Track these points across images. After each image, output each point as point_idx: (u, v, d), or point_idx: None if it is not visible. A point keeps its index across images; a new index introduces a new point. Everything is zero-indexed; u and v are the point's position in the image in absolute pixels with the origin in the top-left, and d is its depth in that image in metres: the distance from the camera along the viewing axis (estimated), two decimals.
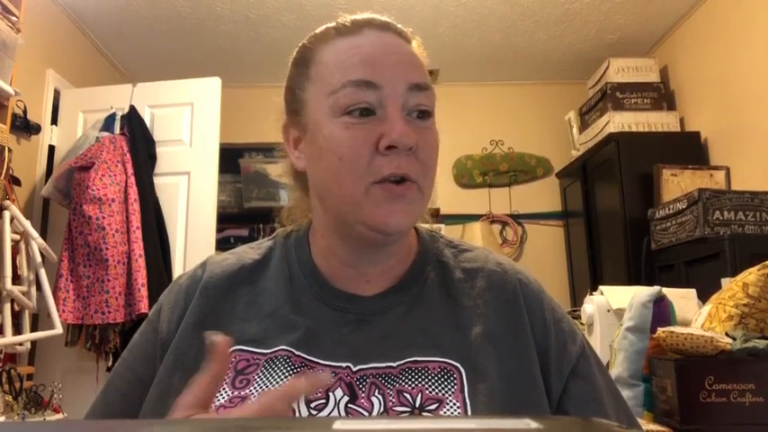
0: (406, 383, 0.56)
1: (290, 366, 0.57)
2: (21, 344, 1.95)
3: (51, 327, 2.00)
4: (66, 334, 2.22)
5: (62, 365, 2.42)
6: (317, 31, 0.64)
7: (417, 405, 0.54)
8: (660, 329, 1.03)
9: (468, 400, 0.54)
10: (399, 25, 0.64)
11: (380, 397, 0.55)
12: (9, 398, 1.82)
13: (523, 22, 3.05)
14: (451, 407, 0.54)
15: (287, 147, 0.67)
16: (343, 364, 0.57)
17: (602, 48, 3.30)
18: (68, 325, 2.22)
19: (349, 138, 0.57)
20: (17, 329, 1.96)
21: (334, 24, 0.63)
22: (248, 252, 0.69)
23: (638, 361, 1.14)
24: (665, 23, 3.08)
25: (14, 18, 2.02)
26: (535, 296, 0.65)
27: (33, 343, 2.25)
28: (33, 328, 2.18)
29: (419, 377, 0.56)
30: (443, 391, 0.55)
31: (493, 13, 2.97)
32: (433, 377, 0.56)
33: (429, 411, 0.54)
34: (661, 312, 1.18)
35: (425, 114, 0.60)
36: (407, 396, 0.55)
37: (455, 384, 0.55)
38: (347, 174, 0.57)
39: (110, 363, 2.30)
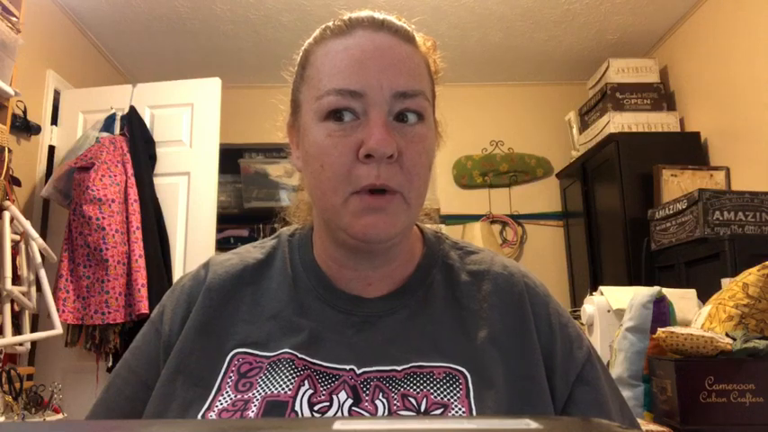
0: (411, 388, 0.55)
1: (293, 369, 0.56)
2: (21, 344, 1.95)
3: (51, 327, 2.00)
4: (67, 334, 2.22)
5: (62, 366, 2.42)
6: (317, 30, 0.63)
7: (422, 410, 0.53)
8: (660, 330, 1.03)
9: (473, 405, 0.54)
10: (399, 22, 0.61)
11: (385, 401, 0.54)
12: (9, 398, 1.82)
13: (523, 22, 3.05)
14: (457, 412, 0.53)
15: (291, 146, 0.67)
16: (347, 367, 0.57)
17: (601, 48, 3.30)
18: (68, 325, 2.22)
19: (330, 145, 0.56)
20: (17, 330, 1.96)
21: (330, 23, 0.62)
22: (251, 251, 0.68)
23: (638, 361, 1.14)
24: (665, 24, 3.08)
25: (14, 18, 2.02)
26: (541, 300, 0.64)
27: (33, 343, 2.25)
28: (33, 329, 2.18)
29: (424, 382, 0.55)
30: (449, 396, 0.54)
31: (493, 14, 2.97)
32: (438, 382, 0.55)
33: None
34: (661, 313, 1.18)
35: (412, 120, 0.58)
36: (412, 400, 0.54)
37: (460, 389, 0.55)
38: (327, 181, 0.57)
39: (110, 363, 2.30)
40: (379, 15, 0.60)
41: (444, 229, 3.18)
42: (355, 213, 0.56)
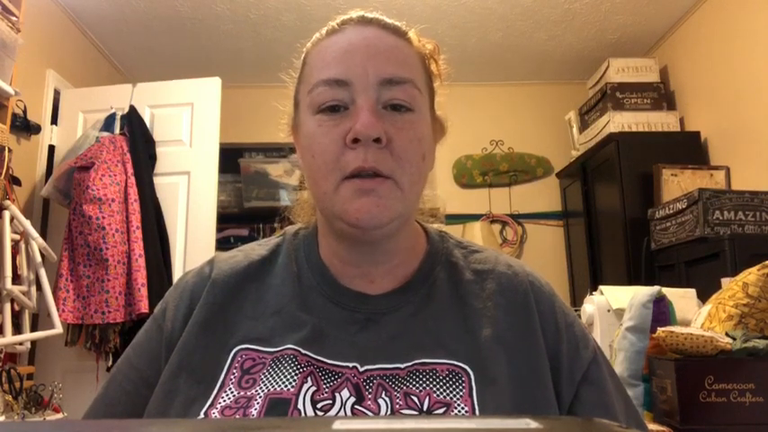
0: (414, 386, 0.55)
1: (296, 366, 0.56)
2: (21, 344, 1.95)
3: (51, 327, 2.00)
4: (67, 334, 2.22)
5: (62, 365, 2.42)
6: (315, 35, 0.65)
7: (425, 408, 0.53)
8: (660, 329, 1.03)
9: (476, 404, 0.53)
10: (389, 20, 0.62)
11: (387, 399, 0.54)
12: (9, 398, 1.82)
13: (523, 22, 3.05)
14: (460, 411, 0.53)
15: (296, 147, 0.67)
16: (350, 365, 0.56)
17: (601, 48, 3.30)
18: (68, 325, 2.22)
19: (320, 134, 0.58)
20: (17, 329, 1.96)
21: (326, 26, 0.64)
22: (256, 249, 0.69)
23: (638, 361, 1.14)
24: (665, 23, 3.08)
25: (14, 18, 2.02)
26: (547, 299, 0.63)
27: (33, 343, 2.25)
28: (33, 328, 2.18)
29: (427, 380, 0.55)
30: (452, 395, 0.54)
31: (493, 14, 2.97)
32: (441, 380, 0.55)
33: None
34: (661, 312, 1.18)
35: (402, 108, 0.58)
36: (415, 399, 0.53)
37: (463, 388, 0.54)
38: (319, 170, 0.58)
39: (110, 363, 2.30)
40: (369, 14, 0.62)
41: (444, 228, 3.17)
42: (347, 198, 0.56)
